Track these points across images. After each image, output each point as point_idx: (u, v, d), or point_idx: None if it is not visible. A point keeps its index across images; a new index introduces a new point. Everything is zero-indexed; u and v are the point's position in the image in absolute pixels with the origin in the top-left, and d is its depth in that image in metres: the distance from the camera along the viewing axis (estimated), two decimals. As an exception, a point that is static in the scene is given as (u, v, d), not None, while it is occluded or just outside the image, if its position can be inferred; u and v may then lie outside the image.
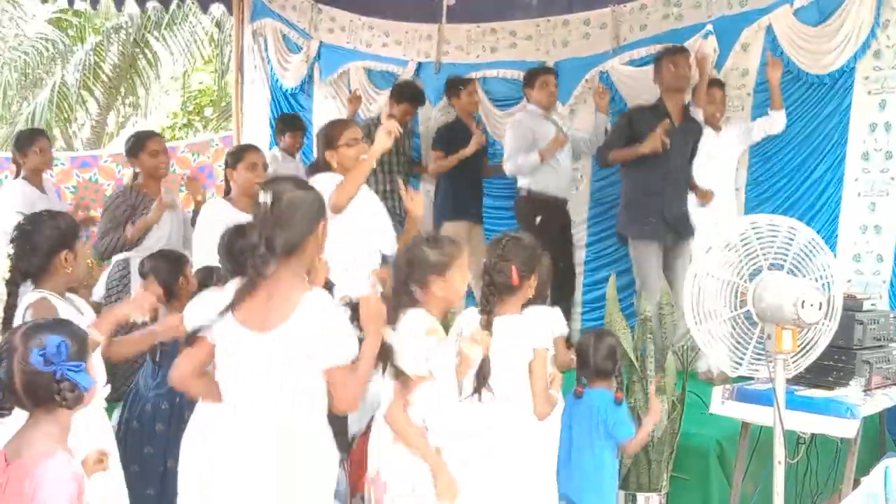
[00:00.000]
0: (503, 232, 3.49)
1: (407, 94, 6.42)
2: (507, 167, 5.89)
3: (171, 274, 3.86)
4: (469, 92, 6.30)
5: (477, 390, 3.17)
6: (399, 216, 5.86)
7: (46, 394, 2.05)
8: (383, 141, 3.93)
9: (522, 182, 5.88)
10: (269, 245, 2.53)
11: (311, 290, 2.59)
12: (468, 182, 6.25)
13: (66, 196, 6.95)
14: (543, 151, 5.70)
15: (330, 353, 2.51)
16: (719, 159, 5.52)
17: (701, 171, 5.47)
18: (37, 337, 2.06)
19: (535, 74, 6.02)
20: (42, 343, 2.04)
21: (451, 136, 6.20)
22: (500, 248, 3.29)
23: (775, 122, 5.50)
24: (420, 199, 4.03)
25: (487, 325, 3.17)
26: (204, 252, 4.05)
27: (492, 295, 3.23)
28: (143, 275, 4.02)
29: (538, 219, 5.76)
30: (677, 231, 5.38)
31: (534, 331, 3.29)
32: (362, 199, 4.05)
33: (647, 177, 5.32)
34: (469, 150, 6.05)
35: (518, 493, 3.25)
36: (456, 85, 6.38)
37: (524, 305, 3.35)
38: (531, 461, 3.28)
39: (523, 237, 3.40)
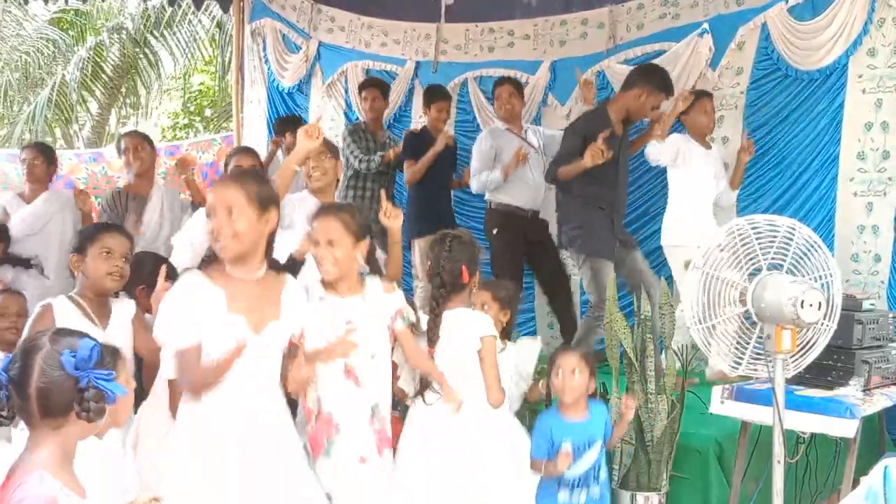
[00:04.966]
0: (441, 232, 3.48)
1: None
2: (473, 186, 5.92)
3: None
4: (438, 108, 6.18)
5: (420, 393, 3.24)
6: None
7: (62, 402, 1.88)
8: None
9: (488, 195, 5.93)
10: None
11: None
12: (438, 194, 6.15)
13: (78, 186, 7.02)
14: (506, 168, 5.70)
15: None
16: (719, 178, 5.33)
17: (709, 191, 5.25)
18: (67, 339, 1.93)
19: (493, 87, 6.02)
20: (74, 345, 1.91)
21: (418, 142, 6.10)
22: (445, 248, 3.34)
23: (727, 196, 5.40)
24: (398, 216, 3.64)
25: (435, 325, 3.27)
26: (178, 257, 3.75)
27: (441, 297, 3.30)
28: None
29: (495, 231, 5.77)
30: (622, 242, 5.24)
31: (477, 321, 3.32)
32: None
33: (599, 191, 5.13)
34: (439, 146, 5.93)
35: (494, 485, 3.25)
36: (428, 98, 6.31)
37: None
38: (495, 453, 3.29)
39: (462, 235, 3.44)
